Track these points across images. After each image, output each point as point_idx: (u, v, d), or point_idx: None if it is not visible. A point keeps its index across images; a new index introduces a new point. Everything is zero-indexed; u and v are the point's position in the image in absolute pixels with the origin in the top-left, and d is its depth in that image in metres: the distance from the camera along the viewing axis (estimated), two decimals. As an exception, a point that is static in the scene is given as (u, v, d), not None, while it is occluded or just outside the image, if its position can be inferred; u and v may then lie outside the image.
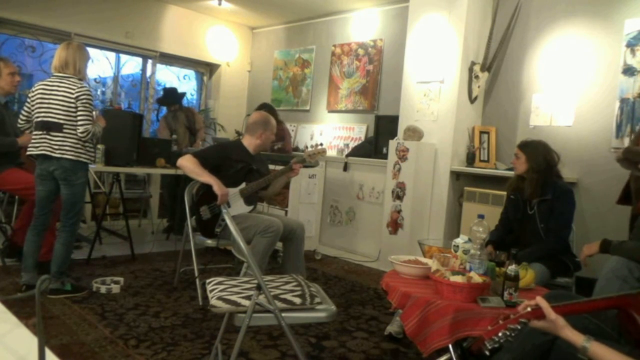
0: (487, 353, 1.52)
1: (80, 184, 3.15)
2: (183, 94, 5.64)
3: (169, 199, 5.44)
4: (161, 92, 6.57)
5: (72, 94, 2.99)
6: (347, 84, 5.79)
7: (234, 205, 3.22)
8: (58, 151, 3.01)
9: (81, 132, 3.01)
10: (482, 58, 4.35)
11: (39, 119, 3.04)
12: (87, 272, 3.69)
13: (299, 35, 6.46)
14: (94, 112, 3.13)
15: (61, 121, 3.00)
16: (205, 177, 3.14)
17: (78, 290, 3.21)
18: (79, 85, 3.03)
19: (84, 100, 3.01)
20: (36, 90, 3.06)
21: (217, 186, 3.09)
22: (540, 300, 1.47)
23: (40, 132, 3.04)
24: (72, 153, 3.03)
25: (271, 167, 3.71)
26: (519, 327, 1.47)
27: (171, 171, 4.27)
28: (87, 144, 3.11)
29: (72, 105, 2.99)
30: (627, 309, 1.50)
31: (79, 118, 3.01)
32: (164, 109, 5.54)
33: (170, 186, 5.33)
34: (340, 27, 5.94)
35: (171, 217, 5.36)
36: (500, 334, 1.48)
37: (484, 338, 1.50)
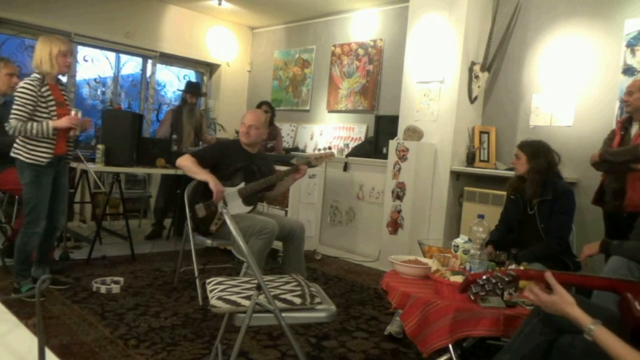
0: (472, 297, 1.55)
1: (27, 185, 2.97)
2: (205, 93, 5.60)
3: (163, 202, 5.24)
4: (162, 92, 6.58)
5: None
6: (347, 84, 5.78)
7: (232, 204, 3.21)
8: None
9: (8, 129, 2.87)
10: (482, 58, 4.34)
11: None
12: (87, 272, 3.69)
13: (299, 35, 6.46)
14: (73, 109, 3.03)
15: None
16: (201, 175, 3.15)
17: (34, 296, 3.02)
18: (23, 80, 2.93)
19: (16, 93, 2.89)
20: None
21: (212, 183, 3.09)
22: (548, 276, 1.48)
23: None
24: (15, 151, 2.96)
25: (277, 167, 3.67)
26: (505, 278, 1.48)
27: (171, 171, 4.26)
28: (30, 143, 2.92)
29: None
30: (622, 292, 1.51)
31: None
32: (165, 108, 5.52)
33: (168, 189, 5.18)
34: (340, 27, 5.94)
35: (157, 222, 5.23)
36: (484, 277, 1.49)
37: (470, 280, 1.52)
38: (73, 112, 2.98)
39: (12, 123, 2.83)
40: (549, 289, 1.47)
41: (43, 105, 2.93)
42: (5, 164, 3.49)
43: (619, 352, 1.31)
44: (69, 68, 3.11)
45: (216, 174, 3.18)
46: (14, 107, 2.86)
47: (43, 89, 2.94)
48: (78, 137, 3.25)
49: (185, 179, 3.33)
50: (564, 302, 1.42)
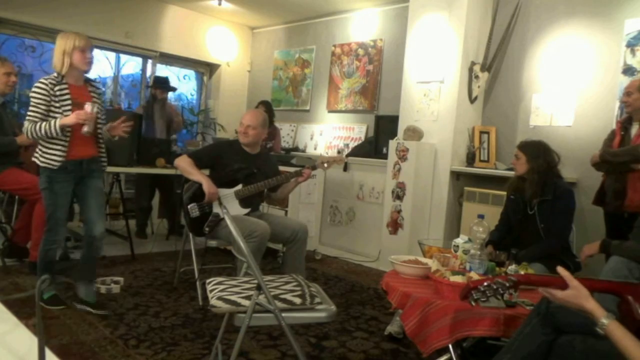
0: (473, 304, 1.55)
1: (43, 191, 2.77)
2: (174, 88, 5.45)
3: (146, 201, 5.10)
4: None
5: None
6: (347, 84, 5.79)
7: (228, 206, 3.12)
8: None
9: (24, 131, 2.70)
10: (482, 58, 4.34)
11: None
12: (87, 272, 3.68)
13: (299, 35, 6.46)
14: (87, 110, 2.74)
15: None
16: (195, 175, 3.14)
17: (54, 303, 2.93)
18: (38, 80, 2.74)
19: (30, 94, 2.69)
20: None
21: (205, 184, 3.07)
22: (561, 270, 1.47)
23: None
24: (35, 155, 2.79)
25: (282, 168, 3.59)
26: (506, 284, 1.48)
27: (171, 171, 4.27)
28: (44, 145, 2.72)
29: None
30: (623, 294, 1.51)
31: None
32: None
33: (148, 188, 5.07)
34: (340, 27, 5.94)
35: (142, 222, 5.13)
36: (485, 284, 1.49)
37: (471, 287, 1.52)
38: (88, 107, 2.67)
39: (25, 125, 2.66)
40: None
41: (57, 105, 2.71)
42: (6, 164, 3.49)
43: (630, 348, 1.30)
44: (90, 65, 2.80)
45: (214, 175, 3.16)
46: (30, 108, 2.67)
47: (57, 88, 2.70)
48: (97, 135, 2.89)
49: (184, 181, 3.29)
50: (580, 295, 1.41)
